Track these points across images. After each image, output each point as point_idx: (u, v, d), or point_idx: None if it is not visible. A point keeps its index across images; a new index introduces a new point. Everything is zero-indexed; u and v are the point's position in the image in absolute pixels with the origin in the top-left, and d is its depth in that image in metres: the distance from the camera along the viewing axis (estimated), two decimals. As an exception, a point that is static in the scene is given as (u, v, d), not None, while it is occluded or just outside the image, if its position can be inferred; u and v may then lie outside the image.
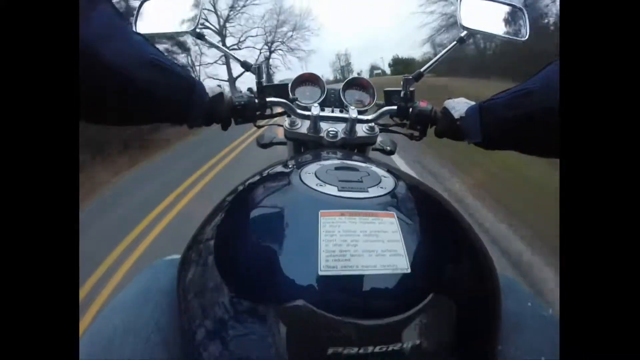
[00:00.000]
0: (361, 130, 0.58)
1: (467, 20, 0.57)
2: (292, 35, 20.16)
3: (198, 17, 0.53)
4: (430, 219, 0.29)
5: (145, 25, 0.55)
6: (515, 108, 0.42)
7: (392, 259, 0.23)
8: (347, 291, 0.22)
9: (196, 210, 2.63)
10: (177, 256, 0.33)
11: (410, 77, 0.57)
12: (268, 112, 0.59)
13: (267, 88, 0.57)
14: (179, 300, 0.27)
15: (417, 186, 0.33)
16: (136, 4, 0.57)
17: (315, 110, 0.55)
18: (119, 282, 1.87)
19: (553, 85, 0.36)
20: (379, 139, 0.62)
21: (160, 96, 0.40)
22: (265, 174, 0.36)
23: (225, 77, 16.38)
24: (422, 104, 0.56)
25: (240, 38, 17.79)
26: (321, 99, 0.64)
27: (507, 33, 0.59)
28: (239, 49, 17.17)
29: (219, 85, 0.51)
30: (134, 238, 2.37)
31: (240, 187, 0.33)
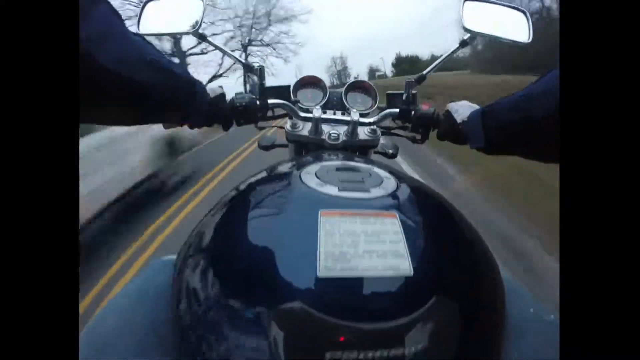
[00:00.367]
0: (363, 133, 0.58)
1: (469, 22, 0.57)
2: (268, 26, 15.00)
3: (200, 17, 0.53)
4: (434, 221, 0.29)
5: (148, 25, 0.55)
6: (517, 113, 0.42)
7: (394, 260, 0.22)
8: (346, 293, 0.21)
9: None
10: (174, 256, 0.33)
11: (413, 80, 0.57)
12: (270, 114, 0.60)
13: (269, 90, 0.57)
14: (175, 301, 0.27)
15: (420, 188, 0.33)
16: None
17: (317, 112, 0.55)
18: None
19: (555, 91, 0.36)
20: (381, 141, 0.62)
21: (161, 97, 0.41)
22: (265, 174, 0.35)
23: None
24: (425, 107, 0.56)
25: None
26: (323, 102, 0.64)
27: (510, 36, 0.59)
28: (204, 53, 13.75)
29: (220, 86, 0.51)
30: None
31: (239, 187, 0.33)
